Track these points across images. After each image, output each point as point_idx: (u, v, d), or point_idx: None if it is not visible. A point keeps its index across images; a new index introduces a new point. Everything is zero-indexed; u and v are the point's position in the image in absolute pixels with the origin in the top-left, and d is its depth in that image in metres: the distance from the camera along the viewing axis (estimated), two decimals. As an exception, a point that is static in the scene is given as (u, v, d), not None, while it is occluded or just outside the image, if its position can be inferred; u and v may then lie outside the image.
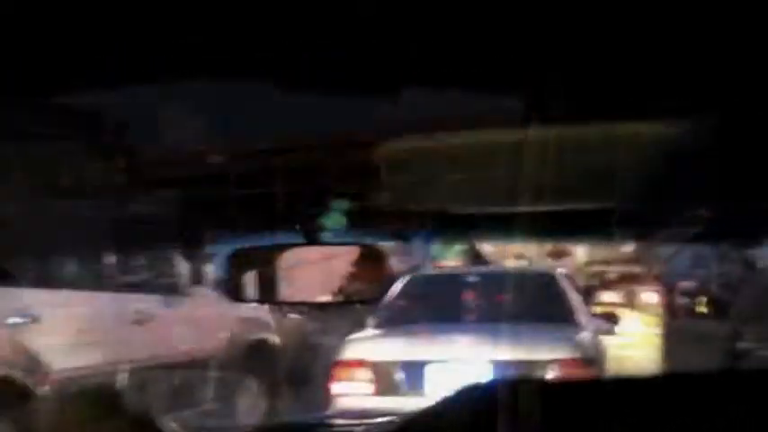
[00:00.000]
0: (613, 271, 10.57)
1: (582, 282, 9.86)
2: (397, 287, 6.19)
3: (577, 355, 4.98)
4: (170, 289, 6.09)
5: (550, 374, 4.75)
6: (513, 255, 9.81)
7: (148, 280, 6.08)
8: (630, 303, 9.98)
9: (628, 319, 9.26)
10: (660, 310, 10.26)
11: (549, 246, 10.06)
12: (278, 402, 6.48)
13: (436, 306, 5.91)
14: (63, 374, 4.92)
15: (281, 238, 1.68)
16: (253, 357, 6.73)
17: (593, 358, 5.10)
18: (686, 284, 21.03)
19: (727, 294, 16.10)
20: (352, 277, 1.62)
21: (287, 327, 9.07)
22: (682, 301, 20.39)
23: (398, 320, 5.76)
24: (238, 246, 1.63)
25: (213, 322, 6.45)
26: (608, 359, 5.64)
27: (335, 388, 5.15)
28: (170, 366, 5.67)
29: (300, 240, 1.62)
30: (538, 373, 4.74)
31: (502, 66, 1.01)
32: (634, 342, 9.11)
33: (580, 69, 1.00)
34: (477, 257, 9.78)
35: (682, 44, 0.94)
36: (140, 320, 5.62)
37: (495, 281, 6.47)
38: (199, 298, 6.40)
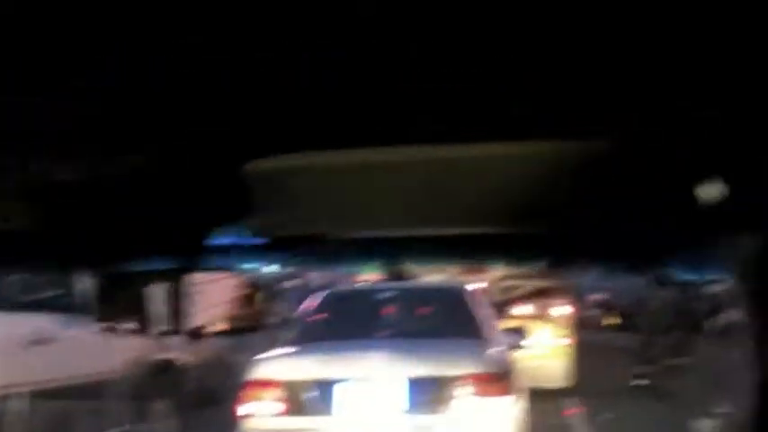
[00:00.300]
0: (527, 285, 10.53)
1: (497, 296, 10.02)
2: (314, 303, 6.07)
3: (487, 370, 4.88)
4: (72, 308, 5.78)
5: (461, 390, 4.68)
6: (433, 270, 9.78)
7: (49, 299, 5.76)
8: (543, 316, 10.07)
9: (540, 331, 9.38)
10: (571, 322, 10.34)
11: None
12: (185, 424, 6.23)
13: (350, 322, 5.72)
14: None
15: (158, 262, 1.52)
16: (158, 378, 6.39)
17: (503, 373, 4.99)
18: (596, 297, 21.51)
19: (635, 307, 16.48)
20: (240, 304, 1.58)
21: (196, 346, 8.85)
22: (592, 313, 20.82)
23: (311, 337, 5.59)
24: (111, 270, 1.46)
25: (117, 342, 6.16)
26: (519, 371, 5.49)
27: (243, 409, 4.93)
28: (71, 389, 5.39)
29: (182, 264, 1.49)
30: (449, 390, 4.67)
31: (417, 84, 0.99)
32: (545, 353, 9.24)
33: (491, 87, 0.99)
34: (396, 272, 9.70)
35: (588, 63, 0.94)
36: (39, 341, 5.35)
37: (409, 296, 6.35)
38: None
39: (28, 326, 5.34)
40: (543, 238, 1.31)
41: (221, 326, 9.47)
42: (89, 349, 5.77)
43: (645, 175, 1.10)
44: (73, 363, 5.55)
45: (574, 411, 7.48)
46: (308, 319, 5.98)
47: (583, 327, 14.70)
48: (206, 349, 9.33)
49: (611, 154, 1.06)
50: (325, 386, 4.82)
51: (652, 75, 0.95)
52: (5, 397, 4.87)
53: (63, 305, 5.75)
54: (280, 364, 5.21)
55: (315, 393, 4.82)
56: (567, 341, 9.88)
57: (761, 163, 1.11)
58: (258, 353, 5.68)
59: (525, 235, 1.28)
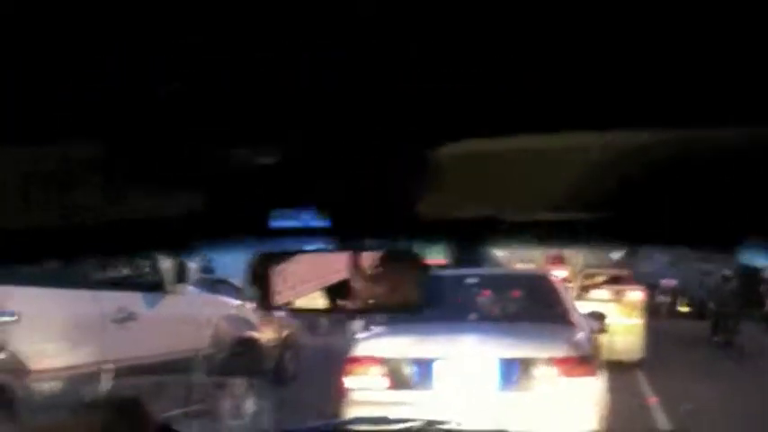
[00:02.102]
0: (603, 273, 10.90)
1: (578, 283, 10.38)
2: None
3: (574, 353, 4.84)
4: (153, 287, 5.39)
5: (548, 371, 4.70)
6: (518, 259, 10.06)
7: (130, 277, 5.34)
8: (617, 300, 10.36)
9: (615, 312, 9.76)
10: (642, 306, 10.71)
11: (549, 253, 10.49)
12: (263, 401, 6.07)
13: (441, 305, 5.45)
14: (43, 375, 4.33)
15: (307, 241, 1.40)
16: (237, 356, 6.15)
17: (586, 356, 4.95)
18: (667, 283, 21.10)
19: (704, 291, 16.20)
20: (386, 283, 1.37)
21: (271, 325, 8.58)
22: (663, 298, 20.45)
23: (406, 319, 5.40)
24: (264, 250, 1.39)
25: (197, 321, 5.82)
26: (599, 349, 5.52)
27: (349, 382, 4.99)
28: (153, 366, 5.06)
29: (332, 245, 1.36)
30: (536, 370, 4.70)
31: (501, 71, 0.89)
32: (620, 331, 9.51)
33: (574, 74, 0.89)
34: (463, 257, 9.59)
35: (676, 51, 0.83)
36: (122, 319, 4.97)
37: (496, 282, 6.34)
38: (182, 296, 5.72)
39: (112, 304, 4.94)
40: (622, 223, 1.22)
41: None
42: (170, 327, 5.51)
43: (726, 161, 1.01)
44: (155, 340, 5.26)
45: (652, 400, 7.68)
46: None
47: (654, 310, 14.65)
48: (284, 329, 9.26)
49: (698, 143, 0.99)
50: (424, 363, 4.86)
51: (747, 61, 0.84)
52: (91, 374, 4.56)
53: (145, 283, 5.40)
54: (383, 343, 5.25)
55: (415, 370, 4.86)
56: (639, 321, 10.31)
57: None
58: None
59: (605, 219, 1.19)
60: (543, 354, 4.76)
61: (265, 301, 1.43)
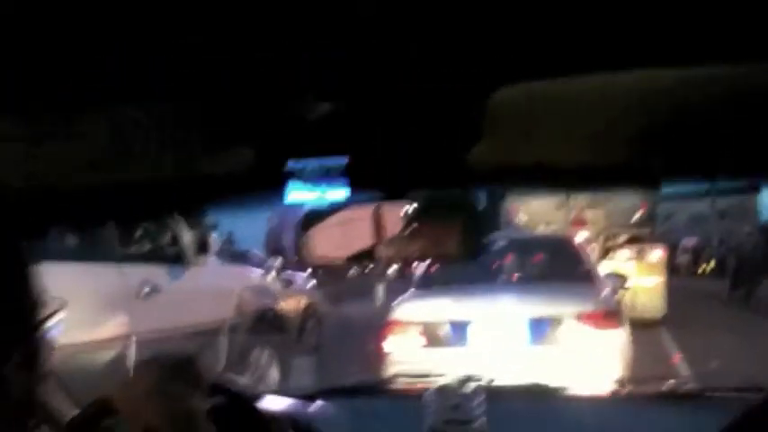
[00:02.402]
0: (625, 234, 10.89)
1: (600, 244, 10.46)
2: None
3: (600, 308, 5.03)
4: (175, 259, 5.28)
5: (575, 326, 4.87)
6: (541, 222, 10.09)
7: (152, 250, 5.21)
8: (639, 259, 10.42)
9: (637, 273, 9.92)
10: (663, 265, 10.76)
11: (571, 214, 10.48)
12: (288, 371, 6.11)
13: (472, 268, 5.64)
14: (69, 349, 4.05)
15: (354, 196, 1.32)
16: (261, 326, 6.07)
17: (613, 310, 5.15)
18: (687, 242, 20.94)
19: (725, 249, 16.11)
20: (443, 234, 1.32)
21: (293, 295, 8.77)
22: (684, 257, 20.30)
23: (438, 282, 5.74)
24: (311, 208, 1.33)
25: (221, 292, 5.71)
26: (622, 305, 5.71)
27: (388, 345, 5.18)
28: (177, 338, 4.92)
29: (379, 196, 1.30)
30: (564, 325, 4.87)
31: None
32: (642, 290, 9.80)
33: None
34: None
35: None
36: (146, 293, 4.86)
37: (523, 245, 6.55)
38: (205, 268, 5.58)
39: (136, 278, 4.84)
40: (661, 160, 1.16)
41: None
42: (195, 299, 5.39)
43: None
44: (180, 313, 5.15)
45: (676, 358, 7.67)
46: (435, 266, 6.02)
47: (675, 269, 14.62)
48: (306, 299, 9.40)
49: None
50: (458, 324, 5.05)
51: None
52: (121, 345, 4.50)
53: (168, 257, 5.28)
54: (418, 306, 5.45)
55: (450, 330, 5.06)
56: (661, 280, 10.41)
57: None
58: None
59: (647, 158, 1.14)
60: (570, 310, 4.94)
61: (305, 258, 1.40)
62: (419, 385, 1.96)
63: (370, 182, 1.26)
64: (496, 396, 1.66)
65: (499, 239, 6.46)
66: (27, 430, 1.44)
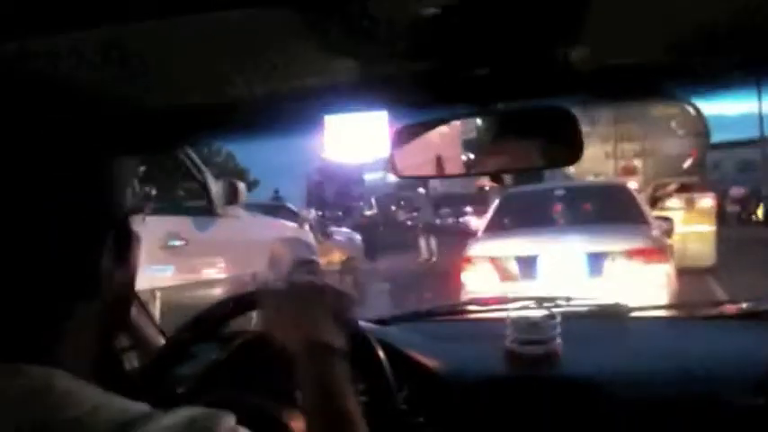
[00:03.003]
0: (674, 182, 11.07)
1: (649, 192, 10.55)
2: (497, 202, 7.28)
3: (648, 245, 5.78)
4: (203, 211, 5.12)
5: (628, 260, 5.63)
6: (591, 173, 10.41)
7: (179, 201, 5.20)
8: (689, 208, 10.61)
9: (687, 220, 10.18)
10: (713, 213, 10.93)
11: (620, 165, 10.85)
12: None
13: (536, 213, 6.82)
14: None
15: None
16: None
17: (659, 247, 5.89)
18: (736, 191, 20.95)
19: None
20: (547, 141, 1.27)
21: (330, 249, 8.83)
22: (733, 207, 20.39)
23: (507, 226, 6.71)
24: (403, 125, 1.32)
25: (252, 244, 5.29)
26: (670, 249, 6.36)
27: (466, 276, 6.03)
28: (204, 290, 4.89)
29: (472, 110, 1.26)
30: (619, 261, 5.64)
31: None
32: (693, 238, 10.10)
33: None
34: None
35: None
36: (173, 245, 4.70)
37: (579, 193, 7.40)
38: (235, 219, 5.44)
39: (163, 228, 4.68)
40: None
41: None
42: (225, 250, 5.30)
43: None
44: (208, 264, 5.13)
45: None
46: (500, 212, 7.05)
47: (724, 219, 14.78)
48: (344, 253, 9.39)
49: None
50: (525, 260, 5.87)
51: None
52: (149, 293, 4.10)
53: (195, 208, 5.17)
54: (492, 244, 6.29)
55: (520, 265, 5.88)
56: (711, 228, 10.61)
57: None
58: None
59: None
60: (622, 247, 5.73)
61: (397, 172, 1.35)
62: (494, 312, 1.97)
63: (458, 95, 1.20)
64: (570, 317, 1.68)
65: (559, 188, 7.33)
66: (117, 351, 1.40)
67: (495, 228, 6.72)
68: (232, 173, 31.69)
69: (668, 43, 1.07)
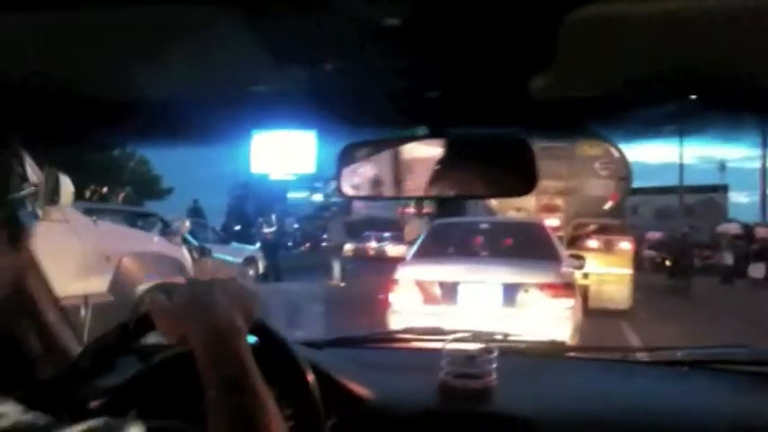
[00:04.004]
0: (595, 222, 11.40)
1: (569, 231, 11.00)
2: (427, 230, 8.18)
3: (558, 280, 6.48)
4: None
5: (539, 293, 6.29)
6: (513, 208, 10.90)
7: None
8: (607, 250, 10.97)
9: (604, 263, 10.53)
10: (630, 256, 11.28)
11: (541, 202, 11.18)
12: None
13: (457, 244, 7.65)
14: None
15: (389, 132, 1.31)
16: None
17: (568, 283, 6.60)
18: (652, 235, 21.95)
19: (683, 245, 17.16)
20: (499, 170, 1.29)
21: (204, 267, 8.30)
22: (648, 252, 21.33)
23: (434, 253, 7.40)
24: (350, 141, 1.32)
25: (81, 257, 4.87)
26: (581, 288, 7.18)
27: (392, 298, 6.62)
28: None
29: (422, 132, 1.26)
30: (530, 292, 6.30)
31: None
32: (609, 280, 10.57)
33: None
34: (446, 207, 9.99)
35: None
36: None
37: (501, 227, 8.31)
38: (59, 224, 4.74)
39: None
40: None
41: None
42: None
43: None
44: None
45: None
46: (428, 240, 7.77)
47: (640, 263, 15.45)
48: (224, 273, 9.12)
49: None
50: (449, 285, 6.49)
51: None
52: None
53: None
54: (420, 269, 6.93)
55: (443, 290, 6.50)
56: (628, 271, 10.96)
57: None
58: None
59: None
60: (535, 279, 6.44)
61: (342, 191, 1.36)
62: (430, 343, 1.94)
63: (413, 118, 1.19)
64: (506, 352, 1.68)
65: (481, 222, 8.34)
66: (28, 355, 1.32)
67: (423, 254, 7.41)
68: (143, 179, 31.05)
69: (621, 80, 1.10)
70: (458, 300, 6.43)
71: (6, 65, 0.99)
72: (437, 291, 6.51)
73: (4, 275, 0.77)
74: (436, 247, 7.54)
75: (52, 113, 1.19)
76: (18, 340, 0.92)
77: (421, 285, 6.55)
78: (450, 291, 6.48)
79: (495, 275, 6.50)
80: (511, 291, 6.35)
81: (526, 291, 6.32)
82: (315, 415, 1.12)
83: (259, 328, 1.06)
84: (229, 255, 13.53)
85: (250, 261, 14.98)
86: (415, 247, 7.71)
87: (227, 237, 17.32)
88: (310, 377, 1.13)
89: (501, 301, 6.35)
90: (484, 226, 8.10)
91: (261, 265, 15.37)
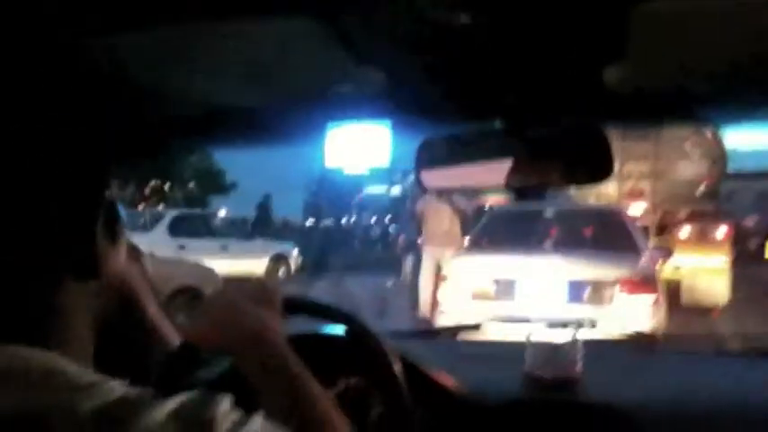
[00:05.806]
0: (686, 209, 10.74)
1: (657, 217, 10.45)
2: (483, 219, 7.63)
3: (636, 274, 5.99)
4: None
5: (612, 290, 5.84)
6: (593, 195, 10.20)
7: None
8: (702, 239, 10.22)
9: (697, 252, 9.93)
10: (727, 244, 10.46)
11: (624, 187, 10.59)
12: None
13: (516, 235, 7.02)
14: None
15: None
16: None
17: (649, 276, 6.09)
18: (750, 221, 21.10)
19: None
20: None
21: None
22: (747, 239, 20.52)
23: (489, 245, 6.96)
24: (427, 136, 1.41)
25: None
26: (670, 281, 6.78)
27: (438, 296, 6.34)
28: None
29: (497, 125, 1.35)
30: (604, 289, 5.86)
31: None
32: (702, 272, 9.84)
33: None
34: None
35: None
36: None
37: (569, 216, 7.51)
38: None
39: None
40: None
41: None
42: None
43: None
44: None
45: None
46: (484, 230, 7.35)
47: (737, 250, 14.65)
48: None
49: None
50: (506, 283, 6.10)
51: None
52: None
53: None
54: (470, 263, 6.53)
55: (498, 287, 6.11)
56: (725, 261, 10.18)
57: None
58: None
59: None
60: (608, 276, 5.93)
61: (421, 184, 1.45)
62: (514, 334, 1.98)
63: (488, 111, 1.24)
64: (592, 343, 1.71)
65: (545, 210, 7.48)
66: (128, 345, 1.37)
67: (477, 246, 6.99)
68: (206, 173, 31.57)
69: (705, 69, 1.12)
70: (515, 297, 6.02)
71: (104, 78, 1.07)
72: (491, 288, 6.10)
73: (117, 270, 0.84)
74: (492, 238, 7.02)
75: (143, 125, 1.26)
76: (128, 334, 0.98)
77: (472, 282, 6.14)
78: (506, 288, 6.07)
79: (560, 271, 6.05)
80: (577, 288, 5.91)
81: (596, 288, 5.85)
82: (404, 403, 1.16)
83: (348, 319, 1.16)
84: (249, 251, 14.34)
85: (279, 258, 15.56)
86: (467, 238, 7.26)
87: (252, 232, 17.66)
88: (398, 367, 1.18)
89: (566, 299, 5.92)
90: (549, 214, 7.35)
91: (293, 263, 16.00)
